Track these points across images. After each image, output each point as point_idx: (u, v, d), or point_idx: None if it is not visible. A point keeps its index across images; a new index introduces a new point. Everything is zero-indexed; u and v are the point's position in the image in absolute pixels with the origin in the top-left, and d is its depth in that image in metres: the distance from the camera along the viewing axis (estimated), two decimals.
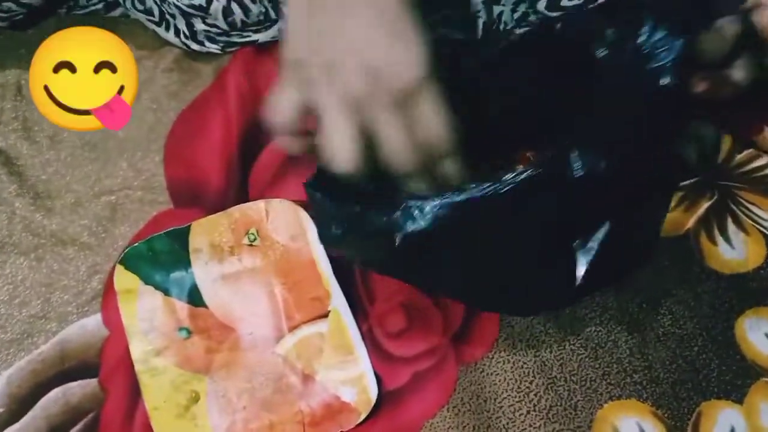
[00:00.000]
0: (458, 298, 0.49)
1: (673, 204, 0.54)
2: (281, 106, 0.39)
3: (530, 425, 0.48)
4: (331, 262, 0.49)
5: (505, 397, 0.49)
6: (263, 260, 0.50)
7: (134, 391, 0.48)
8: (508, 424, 0.48)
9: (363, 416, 0.46)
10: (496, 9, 0.55)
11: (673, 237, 0.53)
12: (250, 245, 0.50)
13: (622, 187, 0.37)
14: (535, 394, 0.49)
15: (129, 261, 0.49)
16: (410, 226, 0.35)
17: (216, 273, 0.50)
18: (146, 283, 0.49)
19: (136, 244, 0.49)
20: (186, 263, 0.50)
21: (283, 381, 0.49)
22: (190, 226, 0.49)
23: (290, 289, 0.50)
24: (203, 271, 0.50)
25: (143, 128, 0.56)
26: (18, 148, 0.55)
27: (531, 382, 0.49)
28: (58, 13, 0.58)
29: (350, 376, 0.48)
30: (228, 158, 0.55)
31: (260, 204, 0.50)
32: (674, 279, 0.52)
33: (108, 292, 0.51)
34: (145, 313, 0.48)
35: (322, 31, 0.36)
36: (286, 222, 0.50)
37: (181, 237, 0.49)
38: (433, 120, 0.37)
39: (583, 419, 0.48)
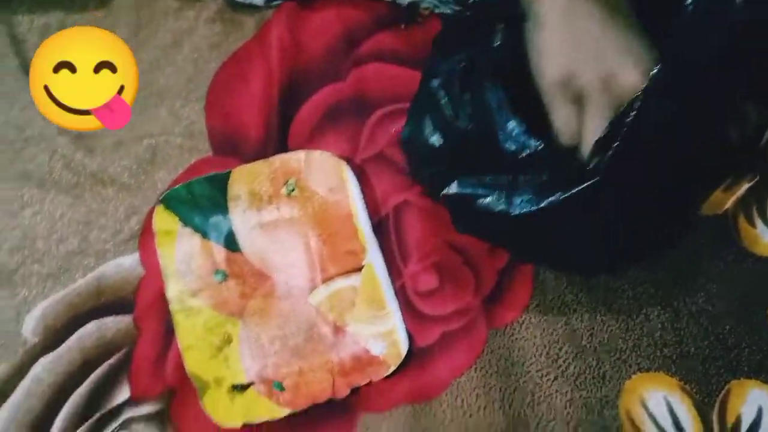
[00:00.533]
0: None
1: None
2: (563, 124, 0.40)
3: (557, 391, 0.48)
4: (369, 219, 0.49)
5: (533, 362, 0.49)
6: (300, 211, 0.50)
7: (167, 331, 0.49)
8: (534, 388, 0.49)
9: (392, 369, 0.47)
10: None
11: (712, 216, 0.53)
12: (289, 195, 0.50)
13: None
14: (564, 361, 0.49)
15: (169, 202, 0.49)
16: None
17: (253, 221, 0.50)
18: (185, 225, 0.49)
19: (177, 187, 0.49)
20: (224, 209, 0.50)
21: (314, 331, 0.49)
22: (230, 172, 0.50)
23: (325, 242, 0.50)
24: (241, 219, 0.50)
25: (183, 78, 0.56)
26: None
27: (560, 349, 0.49)
28: None
29: (381, 331, 0.49)
30: (268, 111, 0.55)
31: (301, 154, 0.50)
32: (710, 258, 0.52)
33: (145, 233, 0.51)
34: (183, 254, 0.49)
35: (585, 43, 0.38)
36: (326, 174, 0.50)
37: (221, 183, 0.50)
38: None
39: (611, 389, 0.48)
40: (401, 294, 0.50)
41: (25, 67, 0.55)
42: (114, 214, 0.52)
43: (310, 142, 0.54)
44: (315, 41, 0.57)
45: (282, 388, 0.47)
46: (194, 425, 0.47)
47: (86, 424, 0.48)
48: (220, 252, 0.50)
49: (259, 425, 0.46)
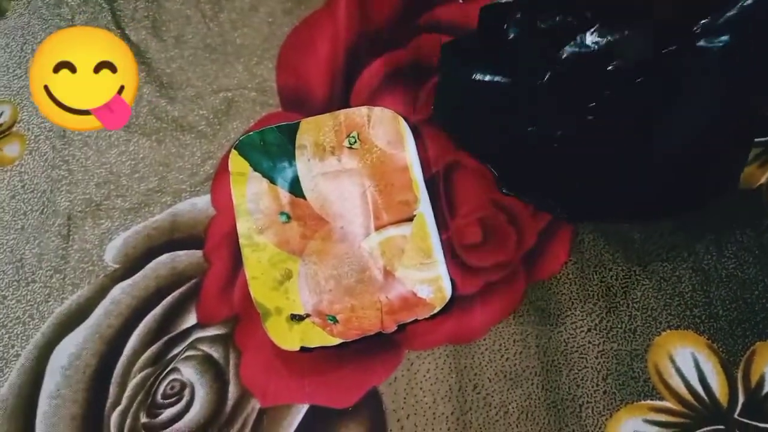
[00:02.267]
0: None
1: (750, 158, 0.56)
2: None
3: (589, 342, 0.52)
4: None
5: (568, 315, 0.53)
6: (360, 162, 0.55)
7: (234, 264, 0.54)
8: (568, 338, 0.52)
9: (437, 309, 0.51)
10: None
11: (746, 189, 0.55)
12: (350, 147, 0.55)
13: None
14: (597, 315, 0.52)
15: (242, 148, 0.54)
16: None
17: (316, 170, 0.55)
18: (255, 169, 0.54)
19: (251, 133, 0.54)
20: (291, 157, 0.55)
21: (366, 273, 0.53)
22: (299, 122, 0.54)
23: (381, 191, 0.54)
24: (305, 167, 0.55)
25: (259, 38, 0.61)
26: (147, 43, 0.61)
27: (594, 304, 0.53)
28: None
29: (427, 277, 0.53)
30: (333, 72, 0.59)
31: (363, 110, 0.55)
32: (743, 228, 0.54)
33: (218, 177, 0.56)
34: (252, 195, 0.53)
35: None
36: (385, 128, 0.55)
37: (290, 132, 0.54)
38: None
39: (641, 343, 0.52)
40: (447, 245, 0.54)
41: (117, 22, 0.61)
42: (191, 158, 0.57)
43: (370, 101, 0.58)
44: (379, 11, 0.61)
45: (335, 321, 0.52)
46: (255, 346, 0.52)
47: (157, 344, 0.53)
48: (285, 196, 0.54)
49: (314, 350, 0.50)
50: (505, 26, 0.45)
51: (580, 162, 0.44)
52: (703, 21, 0.38)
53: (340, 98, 0.58)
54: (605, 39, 0.40)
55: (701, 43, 0.38)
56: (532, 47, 0.43)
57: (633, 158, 0.43)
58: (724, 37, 0.37)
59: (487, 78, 0.43)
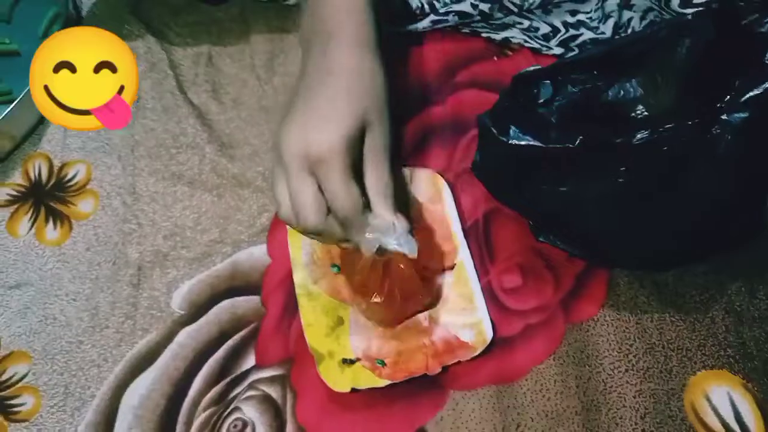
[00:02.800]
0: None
1: None
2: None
3: (627, 382, 0.54)
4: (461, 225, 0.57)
5: (606, 356, 0.55)
6: None
7: (288, 310, 0.58)
8: (607, 378, 0.54)
9: (479, 351, 0.54)
10: (626, 14, 0.62)
11: None
12: None
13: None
14: (634, 356, 0.55)
15: None
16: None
17: None
18: None
19: None
20: None
21: (411, 319, 0.57)
22: None
23: (423, 243, 0.58)
24: None
25: None
26: (208, 106, 0.67)
27: (631, 345, 0.55)
28: None
29: (469, 321, 0.56)
30: None
31: (406, 171, 0.59)
32: None
33: (273, 228, 0.61)
34: (308, 248, 0.58)
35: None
36: (425, 186, 0.59)
37: None
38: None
39: (677, 383, 0.54)
40: (488, 290, 0.58)
41: (180, 87, 0.67)
42: (248, 211, 0.62)
43: (413, 154, 0.63)
44: (420, 70, 0.66)
45: (383, 364, 0.55)
46: (310, 387, 0.55)
47: (220, 384, 0.57)
48: (335, 248, 0.58)
49: (364, 391, 0.54)
50: (536, 91, 0.49)
51: (610, 219, 0.47)
52: (728, 97, 0.41)
53: None
54: (634, 104, 0.44)
55: (723, 116, 0.41)
56: (563, 112, 0.47)
57: (661, 215, 0.46)
58: (744, 114, 0.41)
59: (523, 142, 0.47)
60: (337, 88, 0.45)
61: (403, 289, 0.53)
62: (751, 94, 0.41)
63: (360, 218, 0.46)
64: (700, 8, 0.52)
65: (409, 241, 0.49)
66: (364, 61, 0.47)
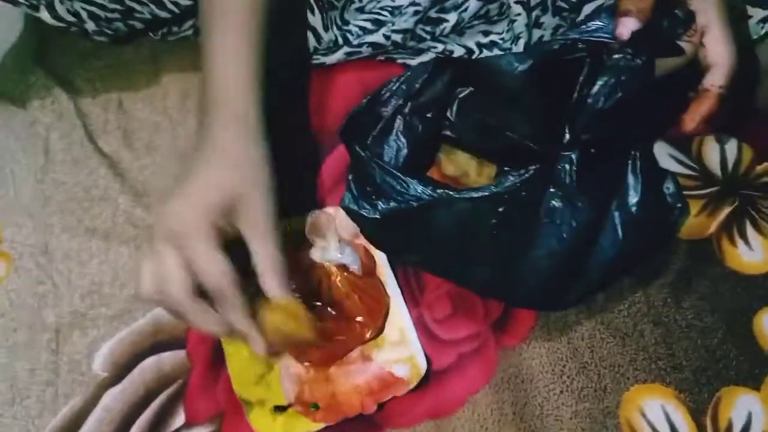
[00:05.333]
0: (488, 292, 0.56)
1: (697, 209, 0.59)
2: None
3: (563, 404, 0.54)
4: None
5: (540, 379, 0.55)
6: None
7: (216, 361, 0.56)
8: (543, 402, 0.54)
9: (413, 385, 0.53)
10: (537, 32, 0.62)
11: (697, 240, 0.58)
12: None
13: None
14: (568, 376, 0.55)
15: None
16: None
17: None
18: None
19: None
20: None
21: (344, 360, 0.55)
22: None
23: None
24: None
25: None
26: (119, 154, 0.64)
27: (564, 366, 0.55)
28: (151, 37, 0.68)
29: (402, 356, 0.55)
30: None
31: (330, 210, 0.58)
32: (697, 277, 0.57)
33: None
34: None
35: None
36: (349, 223, 0.57)
37: None
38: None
39: (612, 400, 0.54)
40: (419, 321, 0.57)
41: (89, 136, 0.64)
42: None
43: (334, 190, 0.62)
44: (337, 102, 0.65)
45: (317, 407, 0.54)
46: None
47: None
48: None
49: None
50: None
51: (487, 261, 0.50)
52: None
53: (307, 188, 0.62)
54: None
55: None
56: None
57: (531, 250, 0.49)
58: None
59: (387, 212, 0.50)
60: (202, 161, 0.45)
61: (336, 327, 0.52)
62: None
63: (236, 295, 0.44)
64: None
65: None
66: (238, 137, 0.46)
